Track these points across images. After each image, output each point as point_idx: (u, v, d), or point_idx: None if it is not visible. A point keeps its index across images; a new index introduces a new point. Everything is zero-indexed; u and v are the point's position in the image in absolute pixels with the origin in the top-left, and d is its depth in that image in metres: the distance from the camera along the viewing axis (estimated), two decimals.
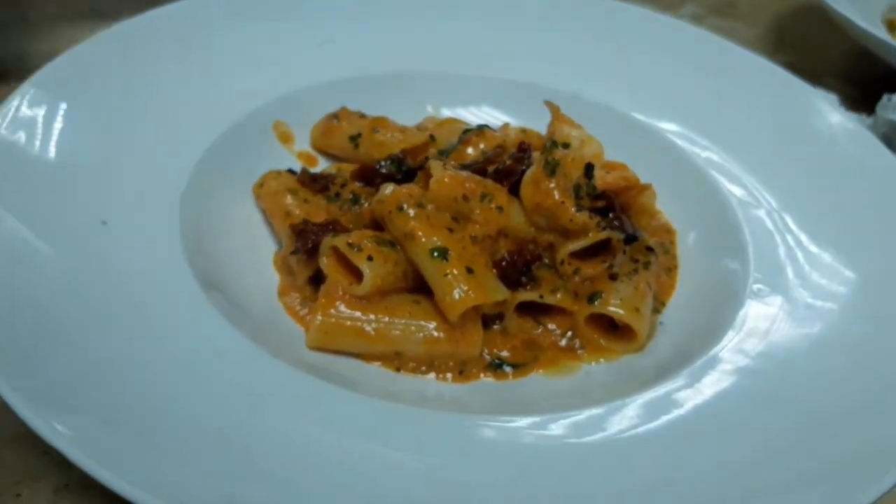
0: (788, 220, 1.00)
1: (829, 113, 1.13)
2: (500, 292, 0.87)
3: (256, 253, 0.98)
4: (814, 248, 0.96)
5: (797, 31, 1.82)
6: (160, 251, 0.86)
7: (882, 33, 1.52)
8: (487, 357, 0.88)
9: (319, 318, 0.85)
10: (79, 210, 0.87)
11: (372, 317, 0.85)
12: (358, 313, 0.85)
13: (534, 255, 0.92)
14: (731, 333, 0.86)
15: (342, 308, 0.85)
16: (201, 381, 0.74)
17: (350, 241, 0.87)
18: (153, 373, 0.74)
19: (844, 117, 1.10)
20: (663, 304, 0.98)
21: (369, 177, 1.01)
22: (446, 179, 0.90)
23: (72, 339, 0.74)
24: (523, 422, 0.75)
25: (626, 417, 0.76)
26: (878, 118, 1.21)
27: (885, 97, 1.22)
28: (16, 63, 1.38)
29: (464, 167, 0.97)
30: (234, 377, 0.75)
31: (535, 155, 0.97)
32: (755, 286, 0.92)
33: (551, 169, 0.92)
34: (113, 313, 0.78)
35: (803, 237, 0.97)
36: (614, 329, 0.92)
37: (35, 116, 0.94)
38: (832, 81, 1.60)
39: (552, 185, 0.91)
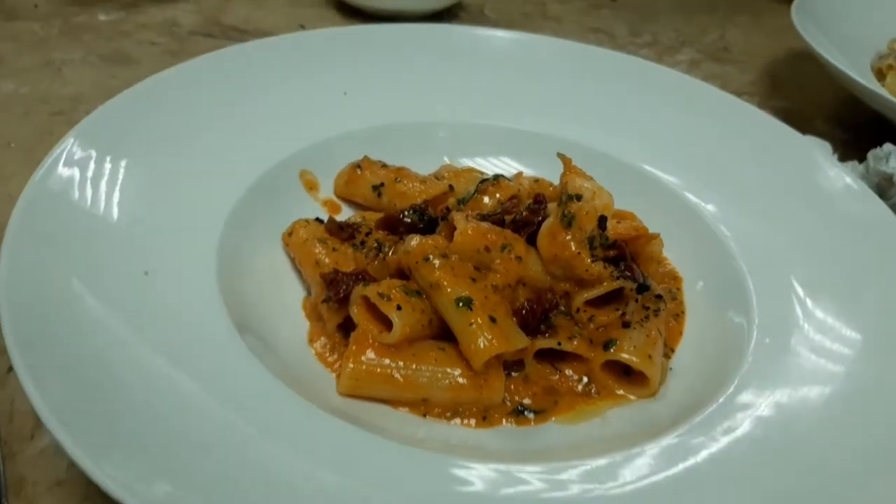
0: (790, 270, 1.03)
1: (825, 164, 1.17)
2: (521, 340, 0.90)
3: (286, 299, 1.00)
4: (815, 300, 0.99)
5: (790, 76, 1.87)
6: (199, 298, 0.89)
7: (870, 81, 1.57)
8: (509, 403, 0.91)
9: (351, 365, 0.87)
10: (122, 261, 0.89)
11: (401, 363, 0.88)
12: (387, 360, 0.88)
13: (552, 303, 0.96)
14: (737, 383, 0.89)
15: (372, 355, 0.88)
16: (240, 426, 0.76)
17: (380, 290, 0.90)
18: (191, 416, 0.76)
19: (840, 169, 1.14)
20: (672, 350, 1.01)
21: (393, 226, 1.05)
22: (469, 231, 0.93)
23: (117, 386, 0.76)
24: (546, 468, 0.78)
25: (642, 465, 0.78)
26: (870, 169, 1.25)
27: (877, 149, 1.26)
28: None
29: (483, 217, 1.00)
30: (272, 421, 0.77)
31: (550, 206, 1.01)
32: (760, 338, 0.94)
33: (567, 222, 0.95)
34: (154, 361, 0.80)
35: (803, 290, 1.00)
36: (627, 374, 0.95)
37: (75, 170, 0.97)
38: (823, 126, 1.66)
39: (568, 237, 0.95)
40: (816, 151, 1.21)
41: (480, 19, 1.95)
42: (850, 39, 1.67)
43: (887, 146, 1.27)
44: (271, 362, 0.86)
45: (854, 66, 1.57)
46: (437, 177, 1.18)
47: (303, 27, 1.80)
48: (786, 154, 1.20)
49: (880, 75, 1.66)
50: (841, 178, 1.12)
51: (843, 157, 1.35)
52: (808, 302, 0.99)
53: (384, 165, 1.15)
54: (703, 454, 0.80)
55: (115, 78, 1.55)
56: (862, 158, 1.35)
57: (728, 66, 1.87)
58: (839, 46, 1.60)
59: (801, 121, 1.61)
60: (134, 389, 0.76)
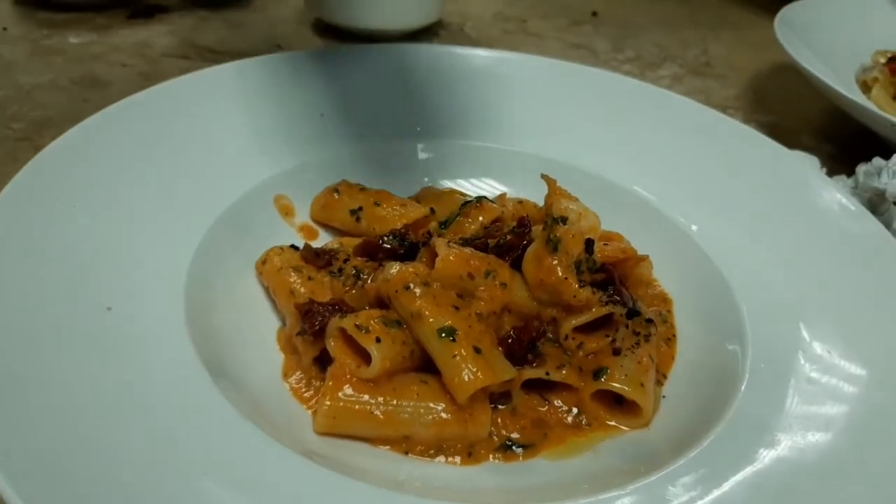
0: (783, 290, 1.00)
1: (815, 180, 1.14)
2: (508, 371, 0.86)
3: (260, 331, 0.96)
4: (811, 323, 0.95)
5: (774, 90, 1.84)
6: (165, 333, 0.84)
7: (856, 94, 1.55)
8: (496, 438, 0.86)
9: (328, 402, 0.83)
10: (83, 296, 0.84)
11: (380, 399, 0.84)
12: (366, 396, 0.83)
13: (539, 330, 0.91)
14: (732, 413, 0.85)
15: (350, 391, 0.83)
16: (207, 469, 0.71)
17: (358, 322, 0.85)
18: (155, 458, 0.71)
19: (831, 185, 1.11)
20: (664, 377, 0.97)
21: (372, 252, 1.00)
22: (451, 258, 0.89)
23: (73, 425, 0.71)
24: None
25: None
26: (860, 183, 1.22)
27: (867, 164, 1.23)
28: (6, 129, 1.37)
29: (465, 242, 0.96)
30: (240, 465, 0.73)
31: (535, 229, 0.97)
32: (756, 362, 0.91)
33: (553, 246, 0.91)
34: (117, 401, 0.75)
35: (799, 311, 0.97)
36: (619, 403, 0.91)
37: (34, 199, 0.92)
38: (810, 140, 1.63)
39: (555, 261, 0.91)
40: (806, 167, 1.18)
41: (460, 38, 1.92)
42: (834, 52, 1.65)
43: (877, 161, 1.24)
44: (243, 403, 0.81)
45: (839, 78, 1.55)
46: (418, 200, 1.14)
47: (279, 47, 1.76)
48: (775, 171, 1.17)
49: (865, 87, 1.64)
50: (832, 194, 1.09)
51: (831, 172, 1.32)
52: (804, 324, 0.95)
53: (362, 189, 1.12)
54: (704, 492, 0.75)
55: (86, 101, 1.50)
56: (850, 173, 1.33)
57: (711, 81, 1.85)
58: (823, 59, 1.58)
59: (787, 135, 1.59)
60: (90, 435, 0.71)
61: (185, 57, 1.69)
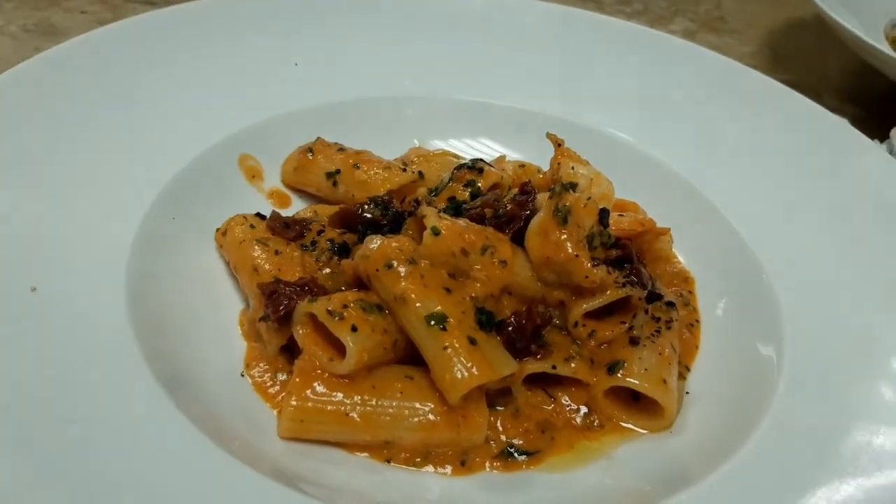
0: (824, 269, 0.87)
1: (859, 144, 0.99)
2: (507, 366, 0.74)
3: (219, 313, 0.83)
4: (857, 301, 0.83)
5: (793, 46, 1.72)
6: (99, 318, 0.71)
7: (888, 49, 1.41)
8: (493, 444, 0.73)
9: (294, 402, 0.71)
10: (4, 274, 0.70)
11: (356, 399, 0.72)
12: (339, 395, 0.71)
13: (544, 317, 0.78)
14: (771, 412, 0.72)
15: (320, 389, 0.72)
16: (141, 496, 0.58)
17: (330, 307, 0.72)
18: (76, 474, 0.58)
19: (876, 148, 0.97)
20: (687, 369, 0.85)
21: (351, 222, 0.87)
22: (443, 231, 0.75)
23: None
24: None
25: None
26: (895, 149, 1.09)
27: None
28: None
29: (458, 212, 0.83)
30: (183, 489, 0.60)
31: (540, 197, 0.83)
32: (794, 354, 0.77)
33: (563, 217, 0.78)
34: (35, 401, 0.62)
35: (843, 289, 0.84)
36: (636, 401, 0.79)
37: None
38: (833, 101, 1.50)
39: (563, 236, 0.78)
40: (843, 128, 1.04)
41: None
42: (862, 5, 1.51)
43: None
44: (193, 404, 0.69)
45: (868, 33, 1.41)
46: (405, 162, 1.01)
47: None
48: (812, 132, 1.03)
49: (894, 44, 1.50)
50: (880, 158, 0.95)
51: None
52: (850, 305, 0.82)
53: (341, 149, 0.99)
54: None
55: (37, 51, 1.33)
56: (882, 137, 1.20)
57: (725, 37, 1.71)
58: (851, 11, 1.44)
59: (808, 96, 1.45)
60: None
61: (151, 3, 1.53)
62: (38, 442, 0.60)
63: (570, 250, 0.77)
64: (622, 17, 1.76)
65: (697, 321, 0.90)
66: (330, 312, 0.72)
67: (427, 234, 0.76)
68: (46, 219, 0.77)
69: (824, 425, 0.70)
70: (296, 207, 0.98)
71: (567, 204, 0.79)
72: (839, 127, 1.05)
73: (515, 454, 0.74)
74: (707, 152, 1.02)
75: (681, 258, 0.96)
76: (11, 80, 0.90)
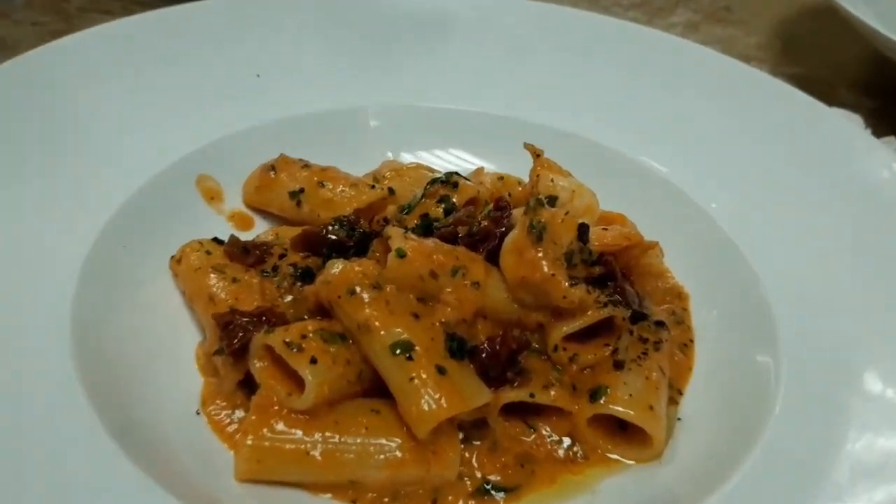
0: (826, 284, 0.88)
1: (862, 144, 1.01)
2: (480, 395, 0.75)
3: (174, 347, 0.85)
4: (861, 322, 0.85)
5: (803, 37, 1.74)
6: (41, 351, 0.73)
7: None
8: (468, 481, 0.75)
9: (250, 441, 0.73)
10: None
11: (318, 436, 0.73)
12: (299, 433, 0.73)
13: (521, 341, 0.80)
14: (766, 442, 0.73)
15: (279, 427, 0.73)
16: None
17: (287, 338, 0.74)
18: None
19: (882, 148, 0.99)
20: (680, 393, 0.86)
21: (315, 244, 0.89)
22: (408, 252, 0.77)
23: None
24: None
25: None
26: None
27: None
28: None
29: (428, 231, 0.84)
30: None
31: (516, 213, 0.85)
32: (792, 375, 0.79)
33: (538, 234, 0.80)
34: None
35: (846, 307, 0.85)
36: (622, 430, 0.80)
37: None
38: (848, 95, 1.52)
39: (539, 254, 0.79)
40: (848, 128, 1.06)
41: None
42: None
43: None
44: (142, 446, 0.70)
45: (883, 23, 1.43)
46: (377, 177, 1.03)
47: None
48: (813, 133, 1.04)
49: None
50: (886, 160, 0.96)
51: (877, 133, 1.22)
52: (853, 325, 0.83)
53: (306, 165, 1.01)
54: None
55: None
56: None
57: (731, 28, 1.73)
58: (866, 0, 1.46)
59: (821, 90, 1.47)
60: None
61: (108, 12, 1.56)
62: None
63: (545, 269, 0.79)
64: (619, 10, 1.79)
65: (692, 341, 0.91)
66: (287, 344, 0.73)
67: (391, 256, 0.77)
68: None
69: (821, 450, 0.72)
70: (259, 229, 1.00)
71: (542, 220, 0.80)
72: (844, 129, 1.07)
73: (492, 491, 0.75)
74: (700, 158, 1.04)
75: (674, 273, 0.98)
76: None
